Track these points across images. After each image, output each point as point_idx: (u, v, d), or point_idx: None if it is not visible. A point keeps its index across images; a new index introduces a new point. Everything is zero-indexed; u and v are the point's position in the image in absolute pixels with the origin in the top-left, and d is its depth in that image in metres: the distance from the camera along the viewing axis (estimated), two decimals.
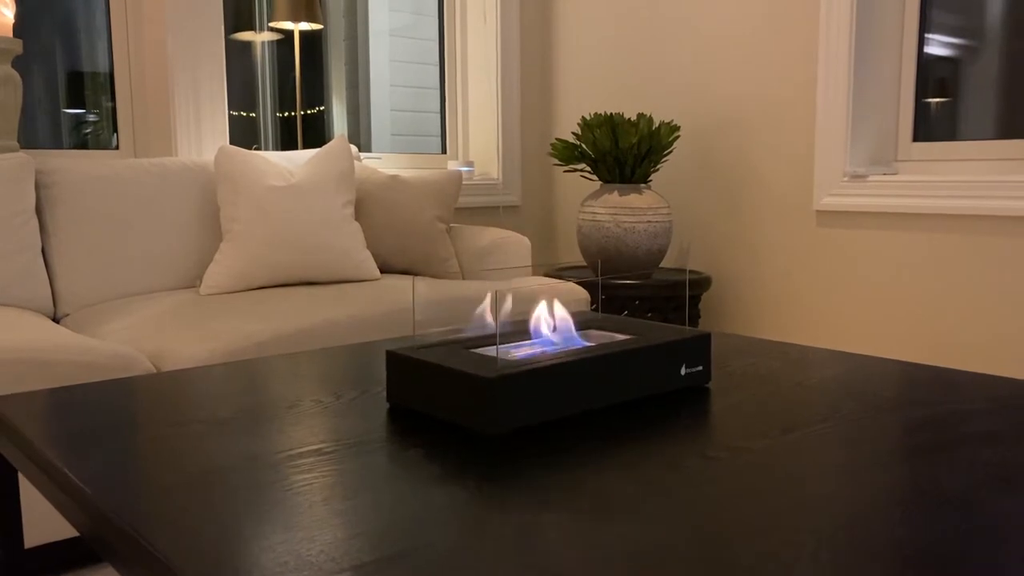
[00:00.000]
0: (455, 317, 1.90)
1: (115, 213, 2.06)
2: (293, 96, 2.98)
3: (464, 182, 3.00)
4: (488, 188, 3.11)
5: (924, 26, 2.34)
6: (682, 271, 2.69)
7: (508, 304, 0.87)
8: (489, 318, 0.89)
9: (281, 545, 0.54)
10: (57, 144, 2.57)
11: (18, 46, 2.04)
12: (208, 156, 2.42)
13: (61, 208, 2.01)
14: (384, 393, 0.92)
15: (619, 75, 2.96)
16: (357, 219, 2.34)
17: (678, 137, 2.59)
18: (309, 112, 3.29)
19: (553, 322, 0.91)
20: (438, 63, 3.30)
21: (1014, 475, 0.66)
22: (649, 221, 2.43)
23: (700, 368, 0.92)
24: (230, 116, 2.52)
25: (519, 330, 0.95)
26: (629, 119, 2.46)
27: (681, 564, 0.51)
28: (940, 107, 2.35)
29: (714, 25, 2.65)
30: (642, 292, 2.40)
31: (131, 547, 0.57)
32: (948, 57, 2.35)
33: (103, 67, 2.55)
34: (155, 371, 1.53)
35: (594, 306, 2.37)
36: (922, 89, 2.36)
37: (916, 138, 2.35)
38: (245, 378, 1.00)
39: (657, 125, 2.56)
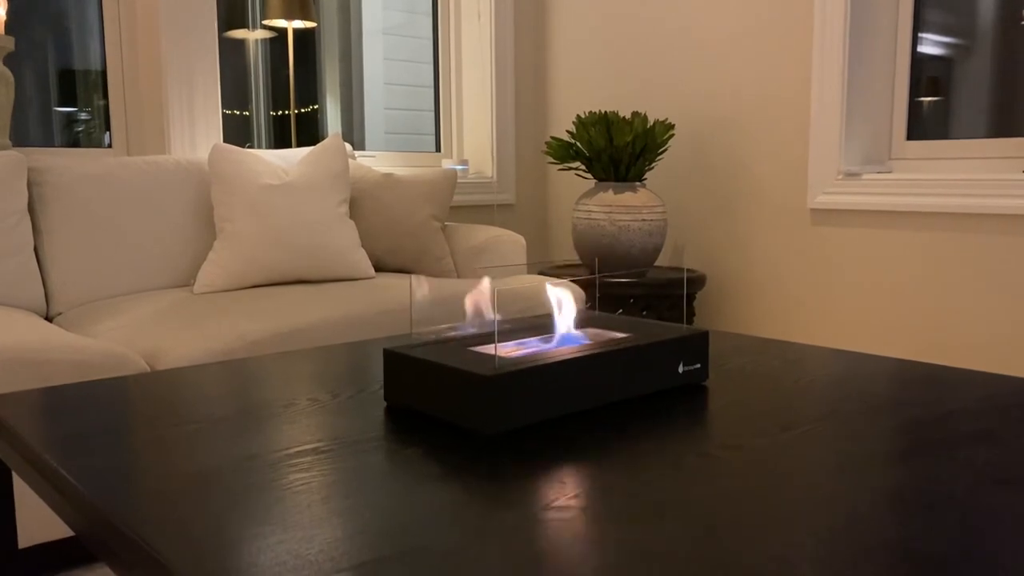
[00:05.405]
0: (450, 316, 1.89)
1: (108, 212, 2.05)
2: (286, 94, 2.98)
3: (458, 180, 3.00)
4: (482, 186, 3.10)
5: (917, 25, 2.35)
6: (676, 269, 2.69)
7: (486, 288, 0.87)
8: (483, 310, 0.89)
9: (280, 545, 0.54)
10: (48, 142, 2.55)
11: (10, 43, 2.02)
12: (202, 154, 2.41)
13: (54, 207, 2.00)
14: (381, 392, 0.92)
15: (613, 73, 2.96)
16: (351, 218, 2.33)
17: (673, 135, 2.59)
18: (303, 111, 3.28)
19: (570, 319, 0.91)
20: (432, 61, 3.29)
21: (1012, 474, 0.66)
22: (644, 219, 2.43)
23: (698, 366, 0.92)
24: (223, 115, 2.51)
25: (517, 328, 0.95)
26: (624, 117, 2.46)
27: (681, 563, 0.51)
28: (933, 106, 2.35)
29: (708, 24, 2.65)
30: (637, 290, 2.40)
31: (128, 547, 0.56)
32: (940, 56, 2.35)
33: (95, 64, 2.54)
34: (149, 370, 1.52)
35: (589, 304, 2.37)
36: (915, 88, 2.36)
37: (910, 136, 2.36)
38: (240, 377, 1.00)
39: (652, 123, 2.56)
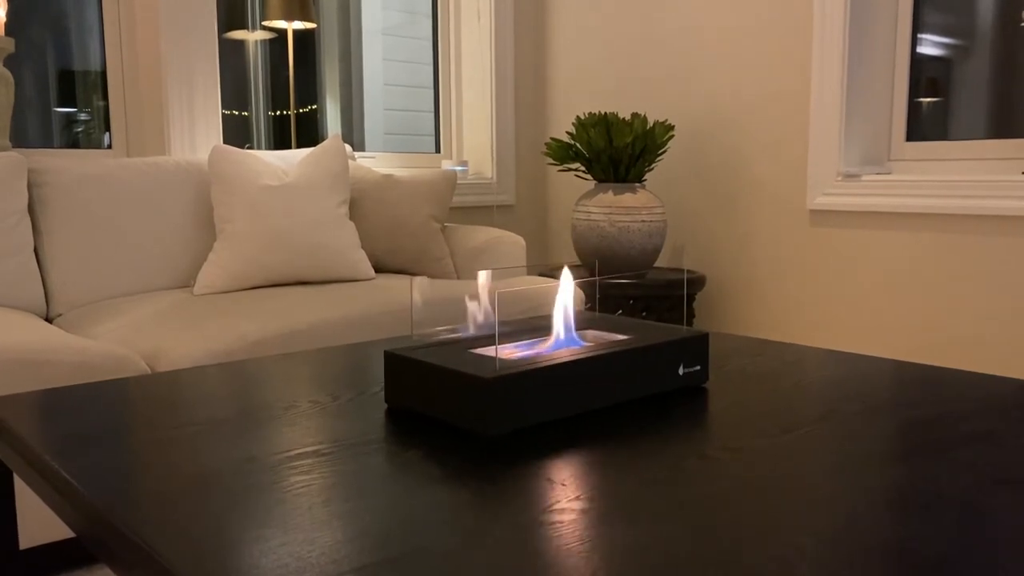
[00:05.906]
0: (451, 317, 1.89)
1: (108, 213, 2.05)
2: (286, 95, 2.98)
3: (458, 181, 3.00)
4: (482, 187, 3.10)
5: (917, 25, 2.35)
6: (676, 270, 2.69)
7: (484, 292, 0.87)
8: (479, 313, 0.89)
9: (281, 547, 0.54)
10: (48, 143, 2.55)
11: (10, 45, 2.02)
12: (201, 155, 2.41)
13: (54, 207, 2.00)
14: (382, 394, 0.92)
15: (613, 74, 2.96)
16: (351, 218, 2.33)
17: (672, 136, 2.59)
18: (302, 111, 3.28)
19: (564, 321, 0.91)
20: (432, 62, 3.29)
21: (1011, 474, 0.66)
22: (643, 220, 2.44)
23: (698, 368, 0.92)
24: (223, 115, 2.51)
25: (518, 330, 0.95)
26: (623, 118, 2.47)
27: (682, 565, 0.51)
28: (932, 107, 2.35)
29: (708, 25, 2.65)
30: (636, 292, 2.40)
31: (129, 549, 0.56)
32: (940, 56, 2.35)
33: (95, 65, 2.54)
34: (149, 371, 1.52)
35: (588, 305, 2.37)
36: (914, 88, 2.36)
37: (909, 137, 2.36)
38: (241, 379, 1.00)
39: (651, 124, 2.56)
